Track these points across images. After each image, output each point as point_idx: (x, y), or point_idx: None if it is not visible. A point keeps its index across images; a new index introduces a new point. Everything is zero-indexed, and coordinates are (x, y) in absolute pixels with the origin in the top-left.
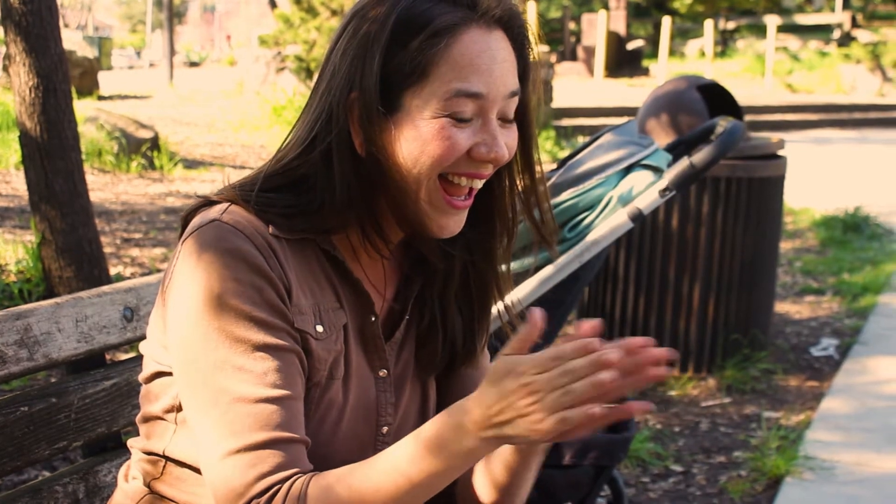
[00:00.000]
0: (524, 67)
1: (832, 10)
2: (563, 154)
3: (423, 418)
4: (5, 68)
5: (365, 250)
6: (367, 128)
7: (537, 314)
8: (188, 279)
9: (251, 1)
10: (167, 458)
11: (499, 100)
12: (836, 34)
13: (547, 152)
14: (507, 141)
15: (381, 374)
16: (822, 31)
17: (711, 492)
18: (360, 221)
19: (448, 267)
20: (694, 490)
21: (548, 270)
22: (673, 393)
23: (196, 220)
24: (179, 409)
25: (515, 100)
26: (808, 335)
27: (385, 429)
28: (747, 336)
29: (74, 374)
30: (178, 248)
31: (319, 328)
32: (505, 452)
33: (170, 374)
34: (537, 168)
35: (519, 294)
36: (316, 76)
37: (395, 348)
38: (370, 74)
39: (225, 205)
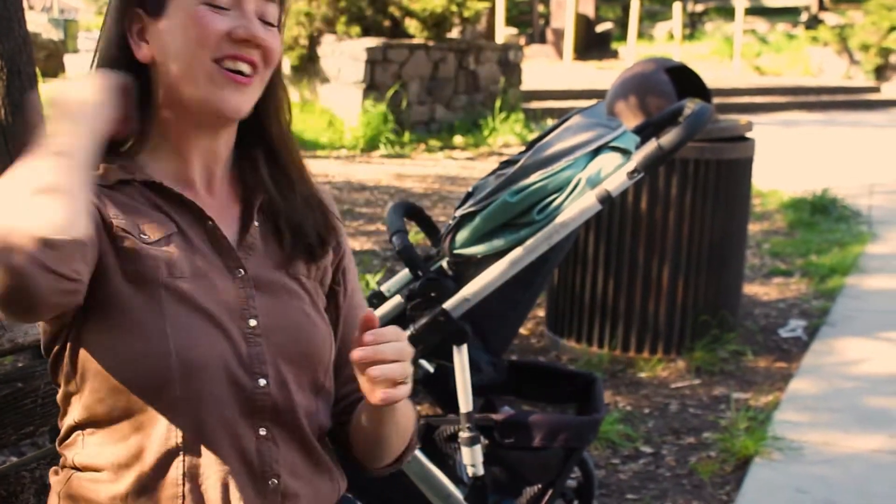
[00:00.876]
0: None
1: None
2: (533, 136)
3: (303, 314)
4: None
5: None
6: (143, 36)
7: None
8: None
9: None
10: (78, 426)
11: None
12: (804, 17)
13: (516, 135)
14: (271, 39)
15: (238, 273)
16: (790, 13)
17: (681, 473)
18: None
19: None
20: (664, 471)
21: (517, 252)
22: (642, 375)
23: None
24: (74, 372)
25: (274, 6)
26: (776, 317)
27: (252, 322)
28: (716, 318)
29: (41, 358)
30: None
31: (144, 235)
32: (365, 410)
33: (57, 357)
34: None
35: (488, 276)
36: None
37: (250, 251)
38: None
39: None
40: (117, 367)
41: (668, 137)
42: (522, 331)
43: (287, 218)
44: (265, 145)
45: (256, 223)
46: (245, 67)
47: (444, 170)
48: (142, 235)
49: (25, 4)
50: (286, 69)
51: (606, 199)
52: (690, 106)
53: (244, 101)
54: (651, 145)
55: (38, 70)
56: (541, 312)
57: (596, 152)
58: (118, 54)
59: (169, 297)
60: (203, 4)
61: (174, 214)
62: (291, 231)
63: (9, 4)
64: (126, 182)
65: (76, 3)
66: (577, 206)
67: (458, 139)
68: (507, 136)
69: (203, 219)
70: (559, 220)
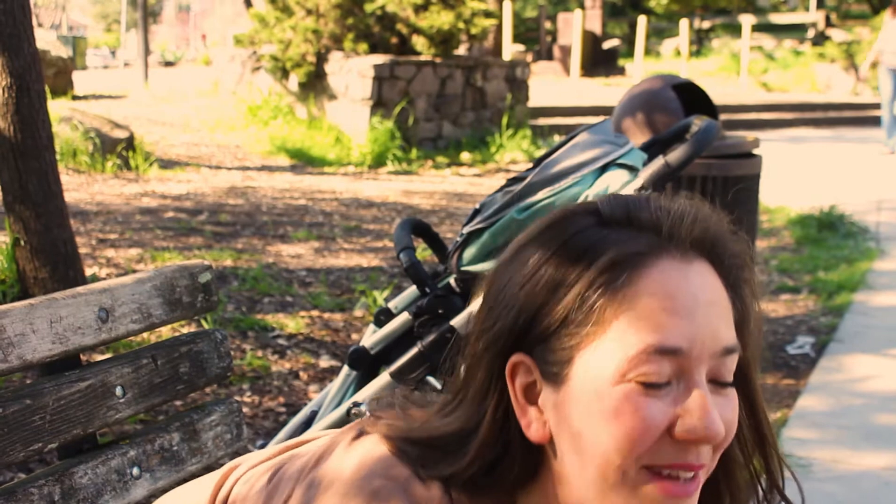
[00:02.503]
0: (742, 312)
1: (806, 9)
2: (540, 153)
3: None
4: None
5: None
6: (532, 400)
7: None
8: None
9: (226, 0)
10: None
11: (706, 356)
12: (811, 33)
13: (523, 151)
14: (723, 412)
15: None
16: (797, 30)
17: None
18: None
19: None
20: None
21: None
22: None
23: None
24: None
25: (733, 358)
26: (784, 333)
27: None
28: None
29: (49, 375)
30: None
31: None
32: None
33: None
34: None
35: None
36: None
37: None
38: (530, 330)
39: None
40: None
41: (676, 154)
42: None
43: None
44: None
45: None
46: (688, 474)
47: (452, 186)
48: None
49: (34, 21)
50: (293, 86)
51: None
52: (697, 123)
53: None
54: (658, 162)
55: (46, 87)
56: None
57: (603, 169)
58: (495, 427)
59: None
60: (634, 383)
61: None
62: None
63: (18, 22)
64: None
65: (85, 20)
66: None
67: (465, 156)
68: (514, 152)
69: None
70: None
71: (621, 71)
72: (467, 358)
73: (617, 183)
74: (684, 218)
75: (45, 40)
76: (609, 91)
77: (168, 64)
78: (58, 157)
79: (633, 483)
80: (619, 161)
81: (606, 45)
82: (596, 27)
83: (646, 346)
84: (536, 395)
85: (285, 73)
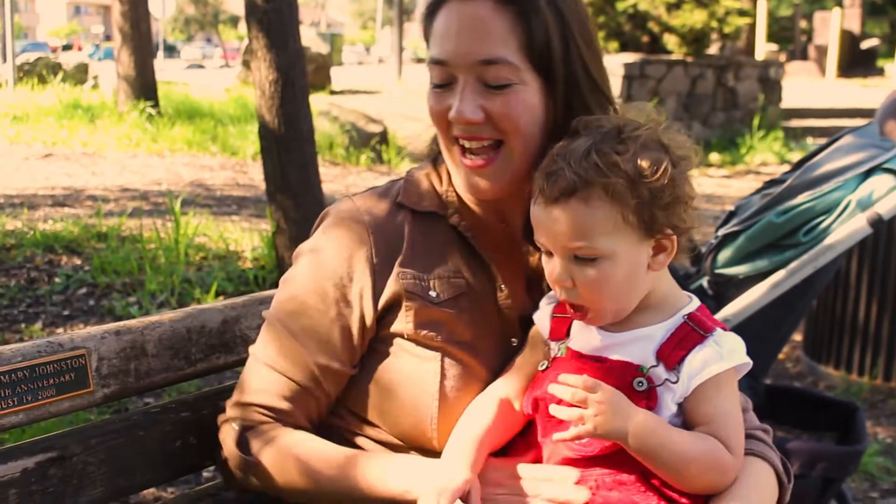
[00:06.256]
0: (527, 32)
1: None
2: (792, 155)
3: None
4: (245, 63)
5: (490, 231)
6: None
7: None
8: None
9: None
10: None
11: (464, 65)
12: None
13: (775, 153)
14: (492, 105)
15: (512, 342)
16: None
17: None
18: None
19: None
20: None
21: (780, 275)
22: None
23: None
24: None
25: (497, 67)
26: None
27: None
28: None
29: None
30: None
31: (432, 293)
32: None
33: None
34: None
35: (750, 298)
36: None
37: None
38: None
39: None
40: (382, 420)
41: None
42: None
43: None
44: None
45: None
46: (469, 144)
47: (700, 188)
48: (429, 293)
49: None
50: None
51: (877, 223)
52: None
53: (481, 184)
54: None
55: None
56: (797, 336)
57: (868, 174)
58: None
59: (445, 360)
60: (431, 84)
61: (469, 272)
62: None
63: (285, 20)
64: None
65: (342, 17)
66: (845, 229)
67: (714, 156)
68: (765, 154)
69: (495, 284)
70: (827, 241)
71: (880, 72)
72: None
73: (882, 188)
74: None
75: (306, 37)
76: (867, 93)
77: (420, 61)
78: (316, 149)
79: (451, 148)
80: (886, 166)
81: (865, 44)
82: (854, 26)
83: (430, 60)
84: None
85: None
